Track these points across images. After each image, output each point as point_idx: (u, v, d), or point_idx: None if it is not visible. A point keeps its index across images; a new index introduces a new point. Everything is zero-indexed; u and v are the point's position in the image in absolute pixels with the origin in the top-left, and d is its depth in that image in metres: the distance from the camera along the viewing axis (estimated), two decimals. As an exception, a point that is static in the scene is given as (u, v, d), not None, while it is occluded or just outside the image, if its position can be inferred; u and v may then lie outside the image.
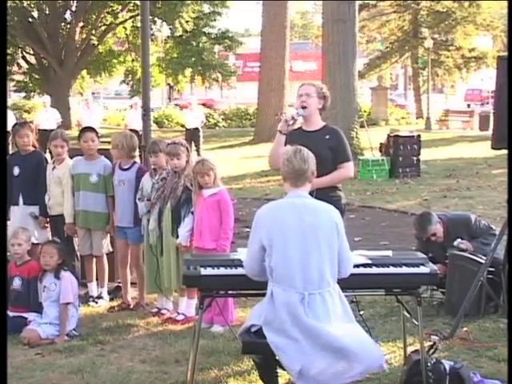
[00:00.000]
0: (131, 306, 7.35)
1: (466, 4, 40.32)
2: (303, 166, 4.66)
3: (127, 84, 40.19)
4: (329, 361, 4.33)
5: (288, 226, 4.52)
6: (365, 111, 33.63)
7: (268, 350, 4.45)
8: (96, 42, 35.39)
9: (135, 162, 7.45)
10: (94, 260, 7.59)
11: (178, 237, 6.83)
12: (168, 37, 37.67)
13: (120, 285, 7.65)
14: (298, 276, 4.45)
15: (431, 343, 5.46)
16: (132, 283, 7.61)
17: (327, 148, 6.08)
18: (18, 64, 37.40)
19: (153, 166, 7.21)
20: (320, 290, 4.47)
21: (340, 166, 6.18)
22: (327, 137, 6.16)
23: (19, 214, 7.48)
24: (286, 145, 5.63)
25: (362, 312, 5.94)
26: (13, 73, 36.73)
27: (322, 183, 5.87)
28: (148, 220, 7.04)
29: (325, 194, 5.70)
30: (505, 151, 6.60)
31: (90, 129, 7.74)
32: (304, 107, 6.14)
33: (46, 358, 5.99)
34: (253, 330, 4.59)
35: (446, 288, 7.08)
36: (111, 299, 7.61)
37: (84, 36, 34.89)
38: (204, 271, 4.93)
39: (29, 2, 34.05)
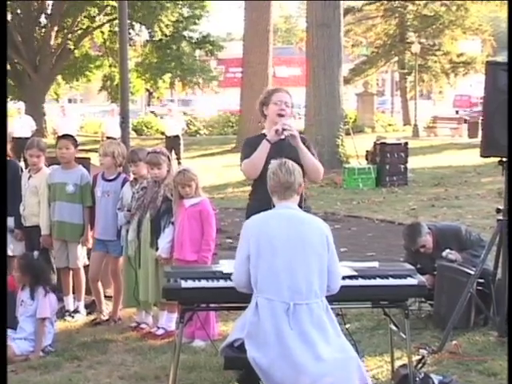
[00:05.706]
0: (105, 318, 7.20)
1: (454, 8, 40.32)
2: (289, 179, 4.68)
3: (106, 90, 39.78)
4: (313, 376, 4.26)
5: (276, 236, 4.50)
6: (350, 118, 33.64)
7: (250, 364, 4.38)
8: (72, 47, 34.73)
9: (120, 173, 7.28)
10: (71, 273, 7.42)
11: (157, 248, 6.69)
12: (147, 41, 37.04)
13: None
14: (285, 285, 4.41)
15: (419, 357, 5.44)
16: (106, 297, 7.48)
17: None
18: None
19: (133, 176, 7.09)
20: (308, 301, 4.41)
21: None
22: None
23: (-7, 225, 7.30)
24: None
25: (348, 325, 5.91)
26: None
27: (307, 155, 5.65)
28: (127, 231, 6.90)
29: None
30: (494, 159, 6.56)
31: (67, 136, 7.57)
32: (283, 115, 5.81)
33: (20, 376, 5.84)
34: (236, 344, 4.53)
35: (435, 300, 7.00)
36: (88, 313, 7.44)
37: (60, 40, 34.14)
38: (185, 284, 4.87)
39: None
